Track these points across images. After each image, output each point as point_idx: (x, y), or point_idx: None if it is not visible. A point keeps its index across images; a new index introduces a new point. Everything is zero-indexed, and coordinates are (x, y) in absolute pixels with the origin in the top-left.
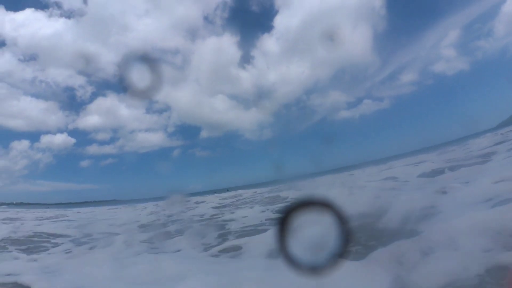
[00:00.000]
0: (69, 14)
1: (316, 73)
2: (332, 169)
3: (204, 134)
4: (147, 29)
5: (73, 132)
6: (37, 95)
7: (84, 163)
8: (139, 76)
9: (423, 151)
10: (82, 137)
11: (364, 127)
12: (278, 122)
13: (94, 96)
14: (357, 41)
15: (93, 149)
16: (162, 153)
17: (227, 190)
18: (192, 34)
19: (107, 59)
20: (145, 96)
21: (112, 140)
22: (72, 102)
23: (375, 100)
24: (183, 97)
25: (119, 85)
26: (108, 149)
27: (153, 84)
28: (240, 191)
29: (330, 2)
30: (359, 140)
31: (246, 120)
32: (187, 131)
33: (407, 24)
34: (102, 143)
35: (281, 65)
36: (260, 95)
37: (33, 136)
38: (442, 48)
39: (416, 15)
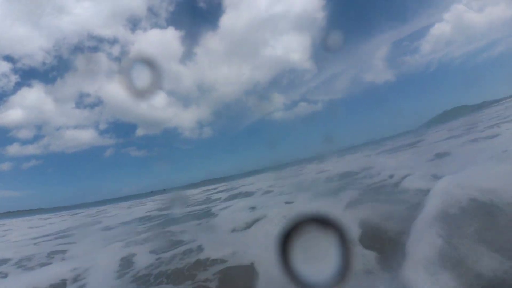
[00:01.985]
0: None
1: (257, 75)
2: (273, 166)
3: (140, 132)
4: (85, 13)
5: None
6: None
7: (4, 166)
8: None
9: (350, 149)
10: (2, 134)
11: (300, 127)
12: (218, 121)
13: (18, 87)
14: (296, 48)
15: (14, 149)
16: (92, 152)
17: (164, 190)
18: (134, 24)
19: (37, 44)
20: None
21: (36, 138)
22: None
23: (310, 102)
24: (118, 91)
25: (47, 74)
26: (31, 149)
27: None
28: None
29: (275, 9)
30: (295, 138)
31: (186, 118)
32: (121, 129)
33: (344, 37)
34: (25, 141)
35: (223, 65)
36: (201, 93)
37: None
38: (374, 60)
39: (352, 29)
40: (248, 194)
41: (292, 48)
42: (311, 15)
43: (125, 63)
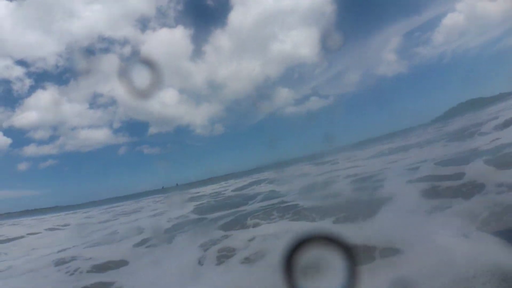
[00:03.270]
0: None
1: (266, 71)
2: (282, 161)
3: (152, 130)
4: (95, 16)
5: (8, 131)
6: None
7: (22, 166)
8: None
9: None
10: (19, 136)
11: (311, 122)
12: (229, 117)
13: (32, 90)
14: (305, 42)
15: (31, 149)
16: (107, 151)
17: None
18: (143, 24)
19: (49, 48)
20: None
21: (51, 139)
22: (7, 96)
23: (321, 97)
24: None
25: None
26: (47, 149)
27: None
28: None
29: (283, 3)
30: (306, 134)
31: (197, 115)
32: (135, 127)
33: (353, 29)
34: (41, 142)
35: (233, 61)
36: (212, 90)
37: None
38: (385, 52)
39: (362, 22)
40: None
41: (302, 43)
42: (320, 9)
43: (125, 64)
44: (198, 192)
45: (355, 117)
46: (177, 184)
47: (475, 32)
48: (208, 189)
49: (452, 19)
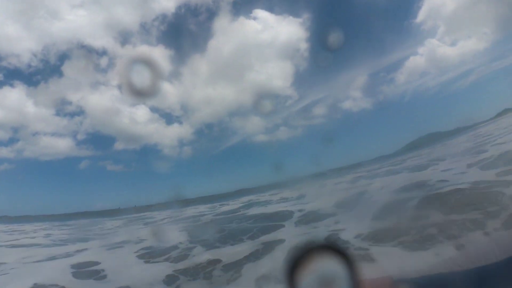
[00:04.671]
0: None
1: (240, 98)
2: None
3: (118, 145)
4: (78, 20)
5: None
6: None
7: None
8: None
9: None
10: None
11: (279, 151)
12: (199, 140)
13: (0, 85)
14: (279, 75)
15: None
16: (68, 163)
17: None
18: (124, 38)
19: (26, 45)
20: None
21: (10, 141)
22: None
23: (290, 127)
24: (101, 102)
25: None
26: (4, 152)
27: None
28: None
29: (262, 37)
30: (273, 162)
31: (167, 135)
32: (100, 141)
33: (324, 66)
34: None
35: (208, 86)
36: (184, 111)
37: None
38: (351, 89)
39: (332, 60)
40: None
41: (276, 74)
42: (295, 45)
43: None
44: (165, 218)
45: (321, 147)
46: (135, 206)
47: (435, 73)
48: (174, 213)
49: (414, 62)
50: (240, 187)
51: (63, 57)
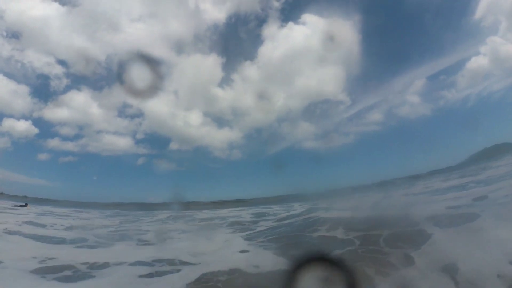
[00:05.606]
0: (64, 1)
1: (289, 104)
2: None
3: (173, 146)
4: (136, 33)
5: (37, 121)
6: (9, 75)
7: (42, 156)
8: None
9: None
10: (46, 128)
11: (329, 159)
12: (248, 144)
13: (68, 89)
14: (331, 79)
15: (54, 143)
16: (126, 159)
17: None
18: (179, 47)
19: (90, 54)
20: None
21: (76, 137)
22: (44, 90)
23: (341, 134)
24: (158, 106)
25: (96, 83)
26: (70, 146)
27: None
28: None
29: (312, 42)
30: (323, 170)
31: (217, 138)
32: (156, 141)
33: (378, 70)
34: (65, 138)
35: (258, 91)
36: (234, 116)
37: None
38: (408, 94)
39: (387, 63)
40: None
41: (327, 79)
42: (345, 48)
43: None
44: (232, 216)
45: (376, 156)
46: (183, 202)
47: (499, 75)
48: (241, 213)
49: (476, 62)
50: (285, 193)
51: (124, 65)
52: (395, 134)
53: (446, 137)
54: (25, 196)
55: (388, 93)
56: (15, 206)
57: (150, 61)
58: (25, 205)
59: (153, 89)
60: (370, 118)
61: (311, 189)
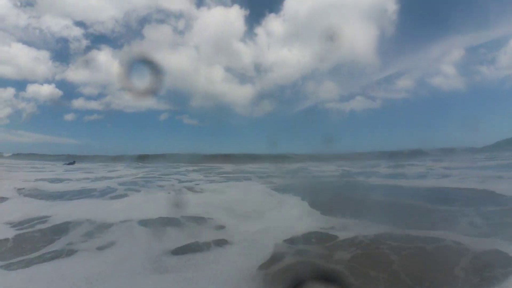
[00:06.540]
0: None
1: (315, 62)
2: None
3: (194, 102)
4: None
5: (61, 84)
6: (29, 43)
7: (68, 117)
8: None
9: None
10: (70, 89)
11: (353, 122)
12: (270, 101)
13: (88, 49)
14: (361, 39)
15: (79, 103)
16: (149, 115)
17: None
18: (200, 0)
19: (108, 13)
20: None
21: (99, 96)
22: (64, 53)
23: (367, 98)
24: (179, 61)
25: (116, 41)
26: (94, 105)
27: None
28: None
29: None
30: (344, 133)
31: (239, 95)
32: (178, 97)
33: (414, 33)
34: (89, 97)
35: (283, 47)
36: (257, 72)
37: (20, 84)
38: (444, 63)
39: (425, 27)
40: None
41: (357, 39)
42: (381, 6)
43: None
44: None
45: (401, 125)
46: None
47: None
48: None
49: None
50: (305, 152)
51: (143, 21)
52: (424, 104)
53: (477, 116)
54: (69, 155)
55: (422, 60)
56: (65, 163)
57: (169, 16)
58: (73, 163)
59: (173, 45)
60: (400, 84)
61: (333, 150)
